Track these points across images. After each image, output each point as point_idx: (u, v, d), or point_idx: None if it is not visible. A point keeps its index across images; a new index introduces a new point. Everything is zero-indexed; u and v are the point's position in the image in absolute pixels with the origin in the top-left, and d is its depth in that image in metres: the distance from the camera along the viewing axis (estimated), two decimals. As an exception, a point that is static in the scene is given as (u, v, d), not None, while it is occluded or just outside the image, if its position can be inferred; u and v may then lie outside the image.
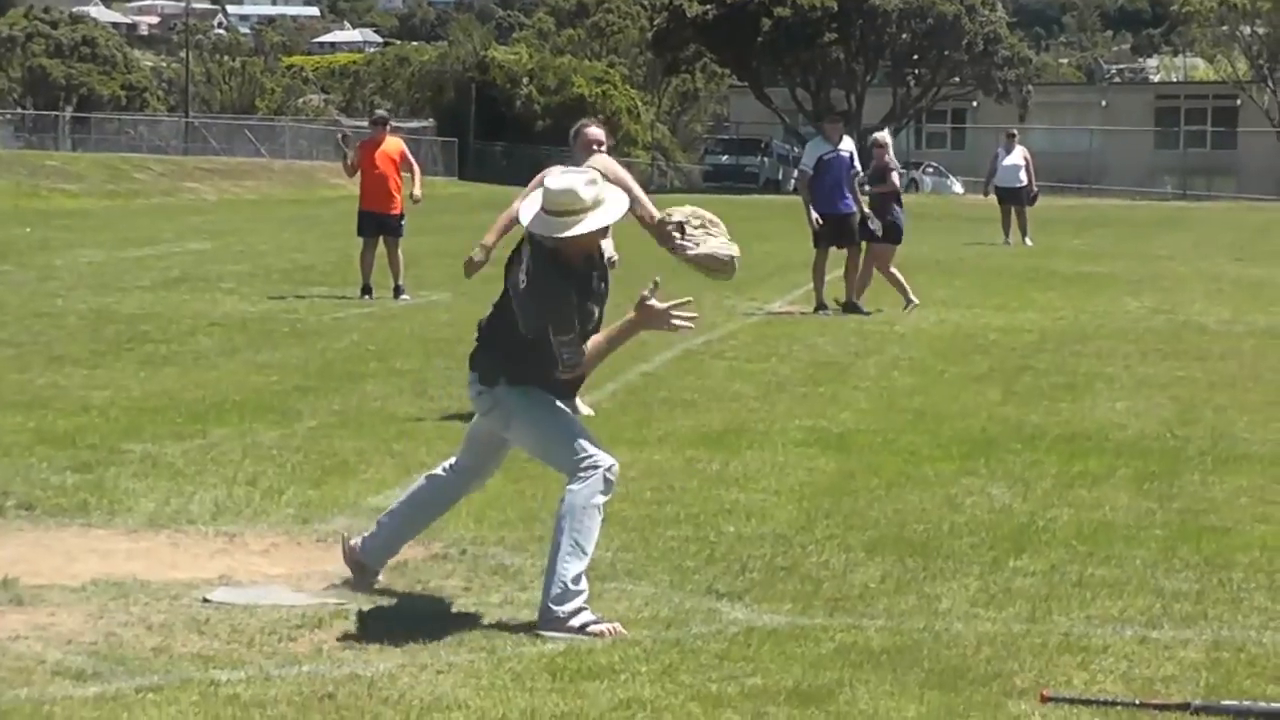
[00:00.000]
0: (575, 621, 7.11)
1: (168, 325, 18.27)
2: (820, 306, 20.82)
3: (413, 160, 22.61)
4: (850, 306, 20.88)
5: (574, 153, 13.13)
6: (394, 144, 22.59)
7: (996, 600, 7.70)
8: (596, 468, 7.32)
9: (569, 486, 7.34)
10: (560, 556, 7.22)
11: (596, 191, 7.29)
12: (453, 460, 7.99)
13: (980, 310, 21.29)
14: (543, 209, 7.29)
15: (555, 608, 7.15)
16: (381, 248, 22.08)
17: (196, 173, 59.76)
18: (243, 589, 7.77)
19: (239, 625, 7.16)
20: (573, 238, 7.23)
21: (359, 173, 22.26)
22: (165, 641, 6.92)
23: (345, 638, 7.03)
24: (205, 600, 7.55)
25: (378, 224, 22.16)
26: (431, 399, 13.39)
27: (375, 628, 7.16)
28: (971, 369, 15.81)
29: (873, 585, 7.94)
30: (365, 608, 7.45)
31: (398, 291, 21.82)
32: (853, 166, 21.06)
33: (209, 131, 77.50)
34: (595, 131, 13.01)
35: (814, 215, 20.78)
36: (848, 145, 21.20)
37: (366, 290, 21.95)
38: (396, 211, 22.20)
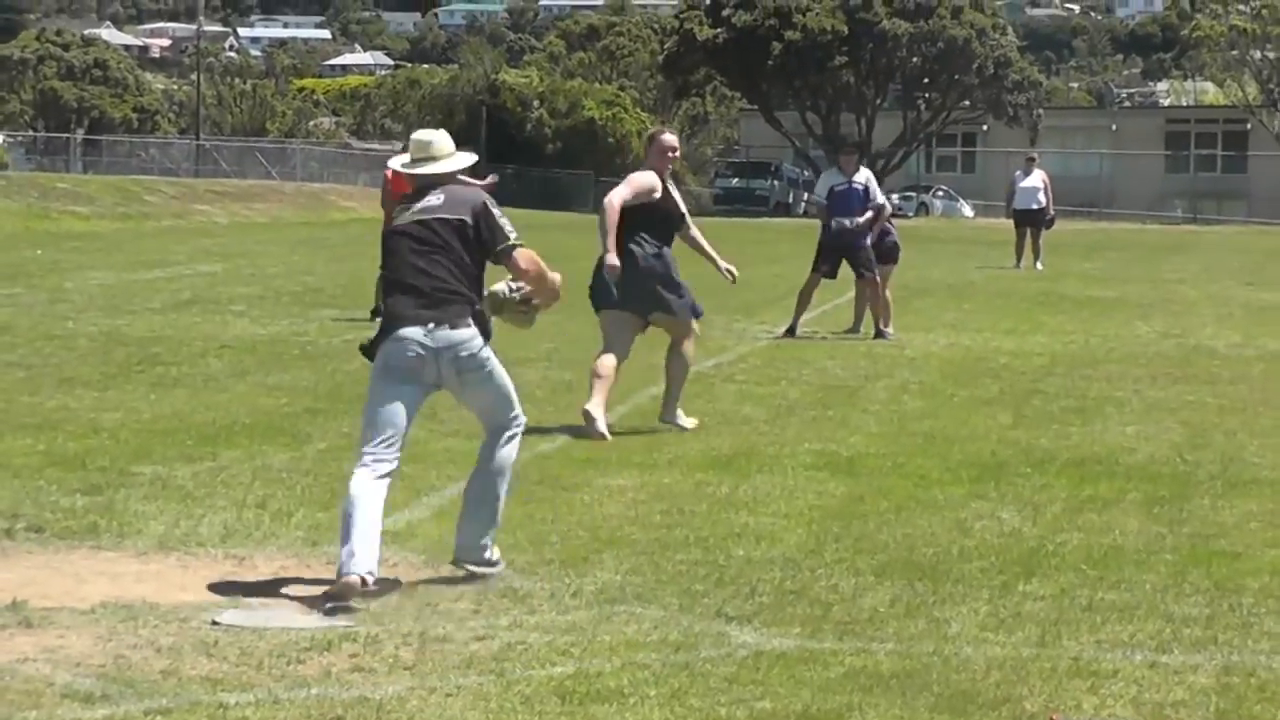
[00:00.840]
0: (496, 559, 8.48)
1: (178, 348, 18.28)
2: (790, 332, 20.65)
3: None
4: (879, 334, 20.79)
5: (650, 158, 13.55)
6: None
7: (1006, 624, 7.69)
8: (521, 427, 8.65)
9: (508, 444, 8.57)
10: (500, 507, 8.51)
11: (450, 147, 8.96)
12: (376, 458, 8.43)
13: (990, 334, 21.29)
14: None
15: (490, 547, 8.45)
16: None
17: (207, 195, 59.83)
18: (252, 611, 7.77)
19: (248, 648, 7.16)
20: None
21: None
22: (174, 664, 6.92)
23: (354, 660, 7.02)
24: (214, 623, 7.55)
25: None
26: (441, 421, 13.37)
27: (384, 650, 7.16)
28: (981, 393, 15.80)
29: (882, 609, 7.93)
30: (374, 630, 7.45)
31: None
32: (867, 199, 20.96)
33: (220, 154, 77.68)
34: (669, 139, 13.43)
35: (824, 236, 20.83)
36: (862, 177, 21.14)
37: (378, 312, 21.98)
38: None
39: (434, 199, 8.71)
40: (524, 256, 8.60)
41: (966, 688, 6.74)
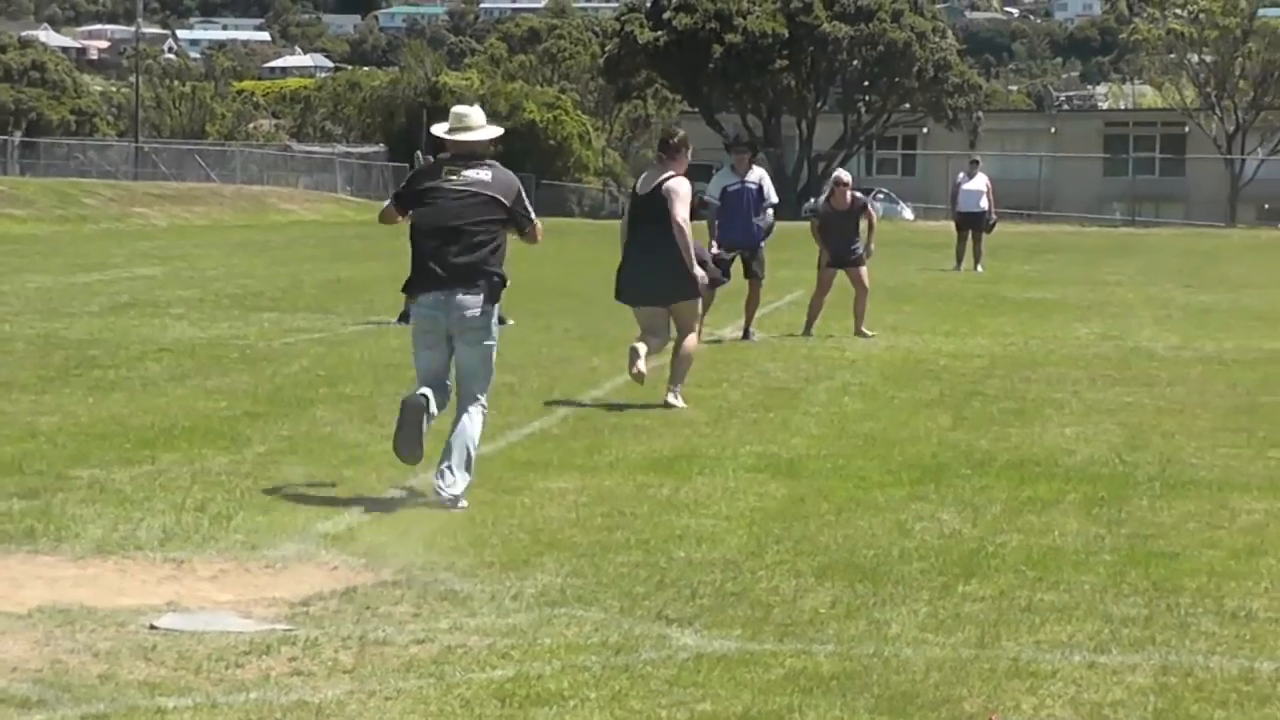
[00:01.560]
0: (462, 502, 10.23)
1: (116, 351, 18.19)
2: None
3: None
4: (747, 335, 20.72)
5: (679, 161, 14.75)
6: None
7: (946, 625, 7.71)
8: (484, 409, 10.70)
9: (478, 410, 10.56)
10: (473, 458, 10.40)
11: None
12: (428, 391, 10.40)
13: (931, 336, 21.36)
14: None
15: (470, 478, 10.33)
16: None
17: (146, 198, 59.58)
18: (191, 615, 7.74)
19: (186, 652, 7.12)
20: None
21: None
22: (112, 669, 6.88)
23: (293, 664, 6.99)
24: (153, 627, 7.51)
25: None
26: (381, 425, 13.33)
27: (323, 654, 7.13)
28: (922, 395, 15.84)
29: (822, 611, 7.94)
30: (313, 634, 7.42)
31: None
32: (763, 198, 20.43)
33: (159, 157, 77.33)
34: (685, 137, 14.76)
35: (714, 249, 20.18)
36: (755, 176, 20.54)
37: (406, 317, 22.19)
38: None
39: (484, 174, 10.68)
40: (539, 230, 10.96)
41: (906, 689, 6.75)
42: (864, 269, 21.65)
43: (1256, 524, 10.07)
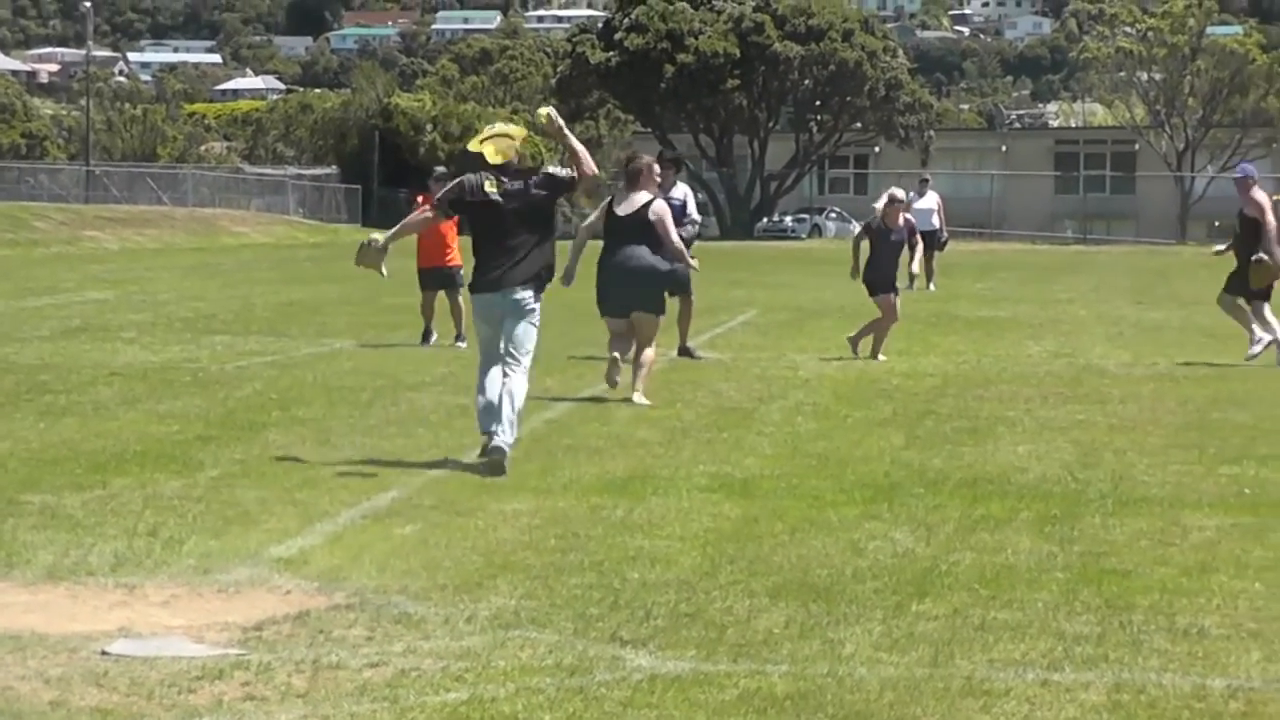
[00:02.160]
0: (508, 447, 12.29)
1: (67, 375, 18.12)
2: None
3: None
4: (684, 351, 20.65)
5: (652, 183, 16.72)
6: None
7: (900, 645, 7.72)
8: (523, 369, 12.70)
9: (523, 373, 12.62)
10: (520, 416, 12.53)
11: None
12: (490, 366, 12.66)
13: (883, 355, 21.38)
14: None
15: (517, 433, 12.45)
16: (442, 298, 22.50)
17: (97, 221, 59.40)
18: (142, 641, 7.70)
19: (138, 678, 7.09)
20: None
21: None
22: (63, 695, 6.85)
23: (246, 689, 6.97)
24: (104, 653, 7.48)
25: (438, 277, 22.52)
26: (335, 448, 13.32)
27: (276, 678, 7.10)
28: (874, 414, 15.87)
29: (776, 631, 7.95)
30: (266, 658, 7.39)
31: (458, 338, 21.97)
32: (685, 214, 20.02)
33: (110, 180, 77.08)
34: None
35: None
36: (679, 192, 20.28)
37: (427, 335, 22.48)
38: (455, 264, 22.43)
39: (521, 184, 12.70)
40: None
41: (861, 708, 6.76)
42: (895, 297, 21.30)
43: (1208, 541, 10.11)
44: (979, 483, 12.05)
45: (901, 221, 21.44)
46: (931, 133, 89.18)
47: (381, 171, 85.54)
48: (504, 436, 12.25)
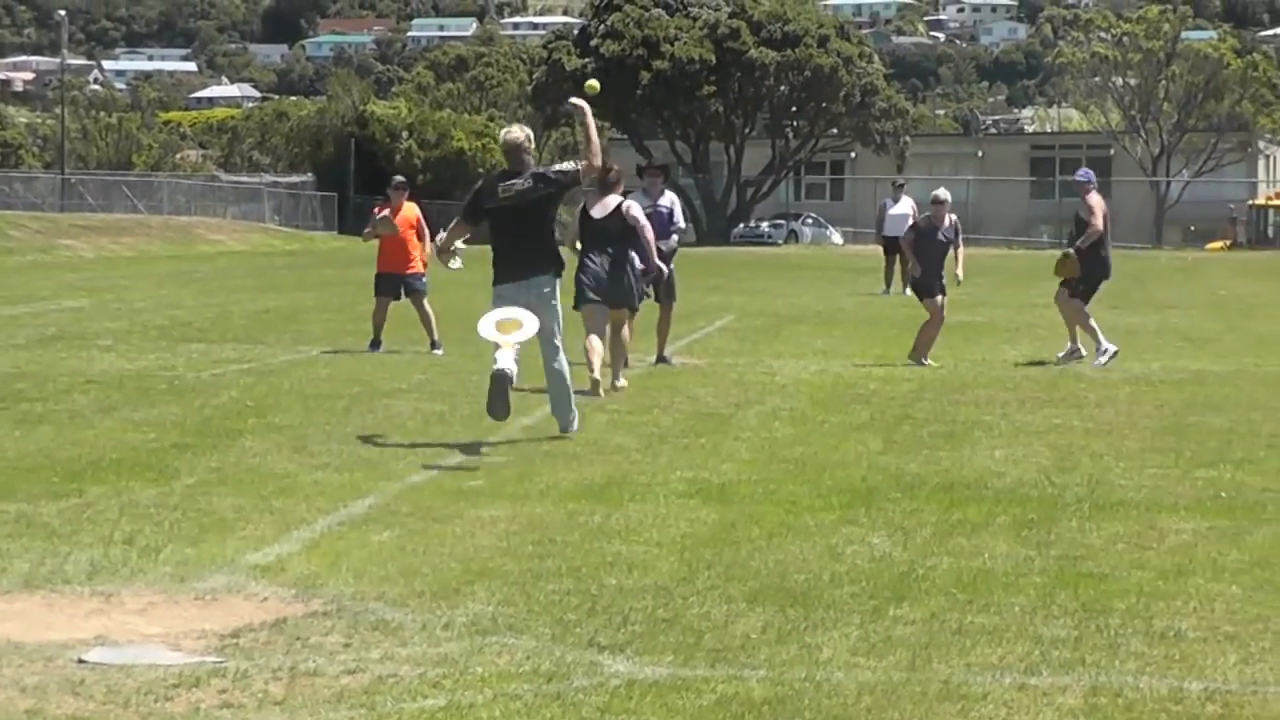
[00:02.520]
0: (576, 426, 14.32)
1: (43, 383, 18.08)
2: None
3: (425, 228, 22.84)
4: (661, 359, 20.64)
5: (617, 189, 17.74)
6: (411, 209, 23.01)
7: (877, 649, 7.73)
8: (558, 353, 14.25)
9: (562, 354, 14.31)
10: (569, 393, 14.39)
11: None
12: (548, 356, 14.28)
13: (860, 360, 21.40)
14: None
15: (573, 420, 14.31)
16: (410, 310, 22.51)
17: (73, 229, 59.30)
18: (119, 649, 7.69)
19: (115, 686, 7.08)
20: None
21: (378, 238, 22.69)
22: (39, 704, 6.83)
23: (223, 696, 6.96)
24: (81, 661, 7.46)
25: (396, 285, 22.57)
26: (311, 454, 13.30)
27: (253, 686, 7.09)
28: (851, 419, 15.88)
29: (754, 636, 7.95)
30: (243, 666, 7.38)
31: (434, 345, 21.94)
32: (672, 221, 20.34)
33: (85, 188, 76.92)
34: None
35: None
36: (667, 200, 20.47)
37: (376, 344, 22.36)
38: (416, 271, 22.52)
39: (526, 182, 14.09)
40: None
41: (838, 713, 6.76)
42: (943, 299, 21.31)
43: (1184, 544, 10.13)
44: (956, 487, 12.06)
45: (948, 221, 21.50)
46: (907, 138, 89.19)
47: (357, 179, 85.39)
48: (576, 420, 14.36)
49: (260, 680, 7.18)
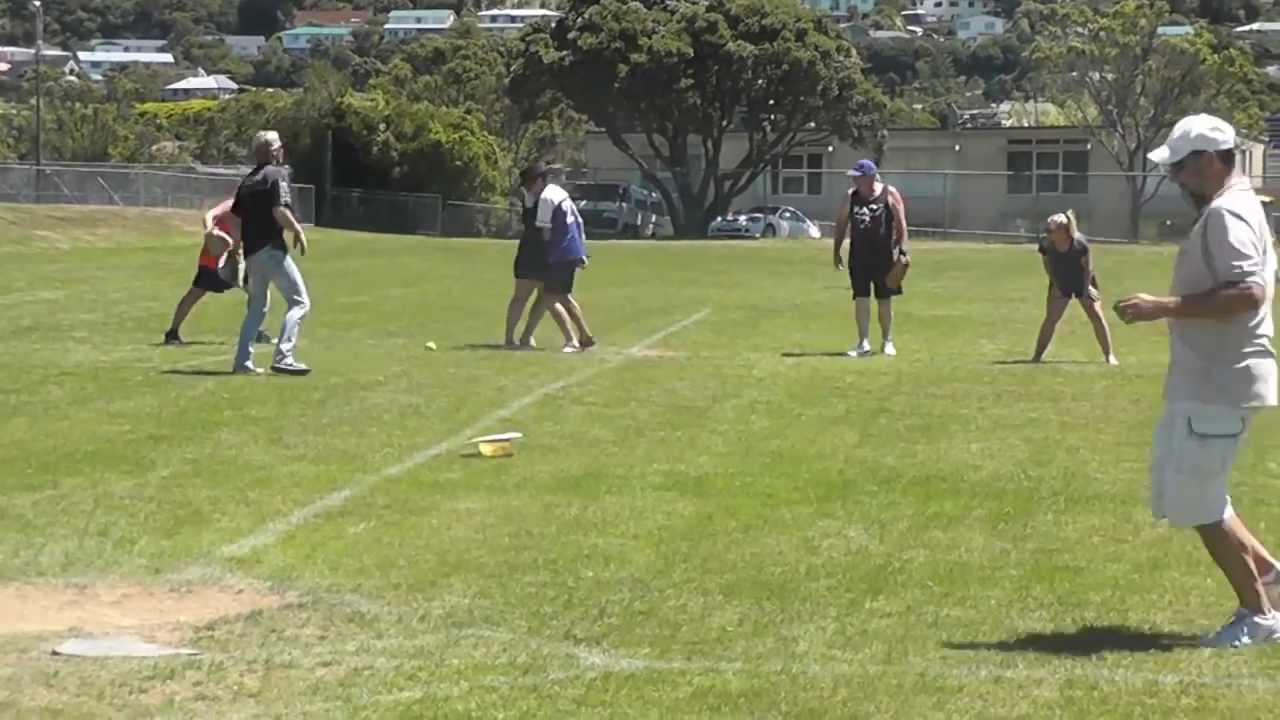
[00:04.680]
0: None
1: (18, 375, 18.02)
2: (517, 343, 20.81)
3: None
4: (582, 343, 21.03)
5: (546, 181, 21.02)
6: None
7: (853, 642, 7.73)
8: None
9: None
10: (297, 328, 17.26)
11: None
12: None
13: (837, 353, 21.42)
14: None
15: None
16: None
17: (48, 221, 59.09)
18: (93, 641, 7.66)
19: (89, 678, 7.06)
20: None
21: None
22: (13, 695, 6.81)
23: (198, 689, 6.94)
24: (55, 653, 7.44)
25: (213, 280, 22.28)
26: (287, 446, 13.28)
27: (229, 678, 7.08)
28: (828, 412, 15.89)
29: (730, 628, 7.95)
30: (218, 658, 7.36)
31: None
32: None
33: (61, 179, 76.65)
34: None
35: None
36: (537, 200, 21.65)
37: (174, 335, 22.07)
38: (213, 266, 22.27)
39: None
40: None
41: (814, 705, 6.76)
42: (1096, 303, 21.32)
43: (1159, 538, 10.14)
44: (932, 480, 12.07)
45: (1069, 242, 21.46)
46: (885, 132, 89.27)
47: (334, 171, 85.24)
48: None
49: (235, 672, 7.16)
